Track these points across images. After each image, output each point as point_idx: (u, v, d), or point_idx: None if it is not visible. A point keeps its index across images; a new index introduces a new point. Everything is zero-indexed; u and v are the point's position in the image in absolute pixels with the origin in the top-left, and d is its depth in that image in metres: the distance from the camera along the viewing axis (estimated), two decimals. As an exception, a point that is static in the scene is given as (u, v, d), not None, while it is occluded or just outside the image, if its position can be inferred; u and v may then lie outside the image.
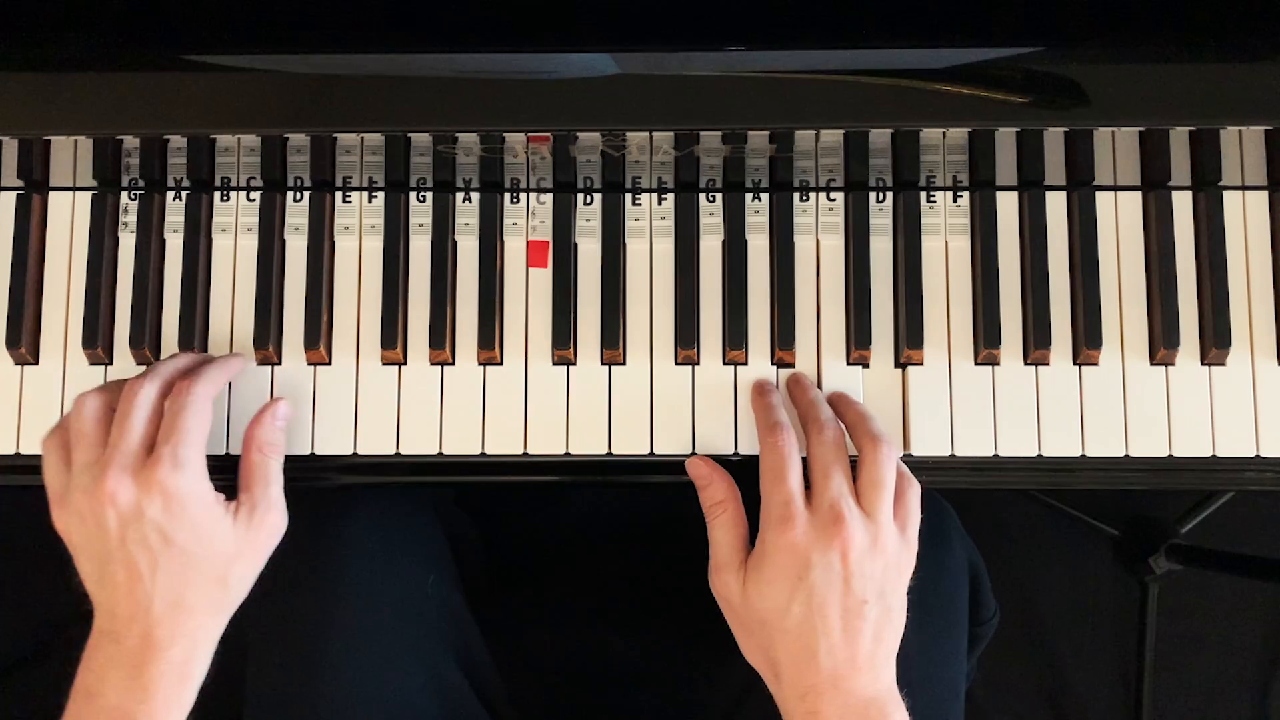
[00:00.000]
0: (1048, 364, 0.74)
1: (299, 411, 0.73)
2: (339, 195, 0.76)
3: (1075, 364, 0.74)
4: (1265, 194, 0.75)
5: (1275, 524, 1.37)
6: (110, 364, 0.75)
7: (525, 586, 0.93)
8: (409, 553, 0.79)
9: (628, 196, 0.75)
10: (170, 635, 0.63)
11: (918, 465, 0.72)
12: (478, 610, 0.84)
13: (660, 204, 0.75)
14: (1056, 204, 0.75)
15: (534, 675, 0.88)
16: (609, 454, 0.73)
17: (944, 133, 0.75)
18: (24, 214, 0.75)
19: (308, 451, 0.73)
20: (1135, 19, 0.66)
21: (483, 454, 0.73)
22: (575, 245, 0.75)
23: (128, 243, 0.75)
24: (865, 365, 0.74)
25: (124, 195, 0.76)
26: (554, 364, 0.74)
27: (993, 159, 0.75)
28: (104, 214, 0.75)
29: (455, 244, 0.75)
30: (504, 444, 0.73)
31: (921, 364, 0.74)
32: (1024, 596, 1.36)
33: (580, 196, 0.75)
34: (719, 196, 0.75)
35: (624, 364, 0.74)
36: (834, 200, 0.75)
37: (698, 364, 0.74)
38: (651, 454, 0.73)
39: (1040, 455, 0.73)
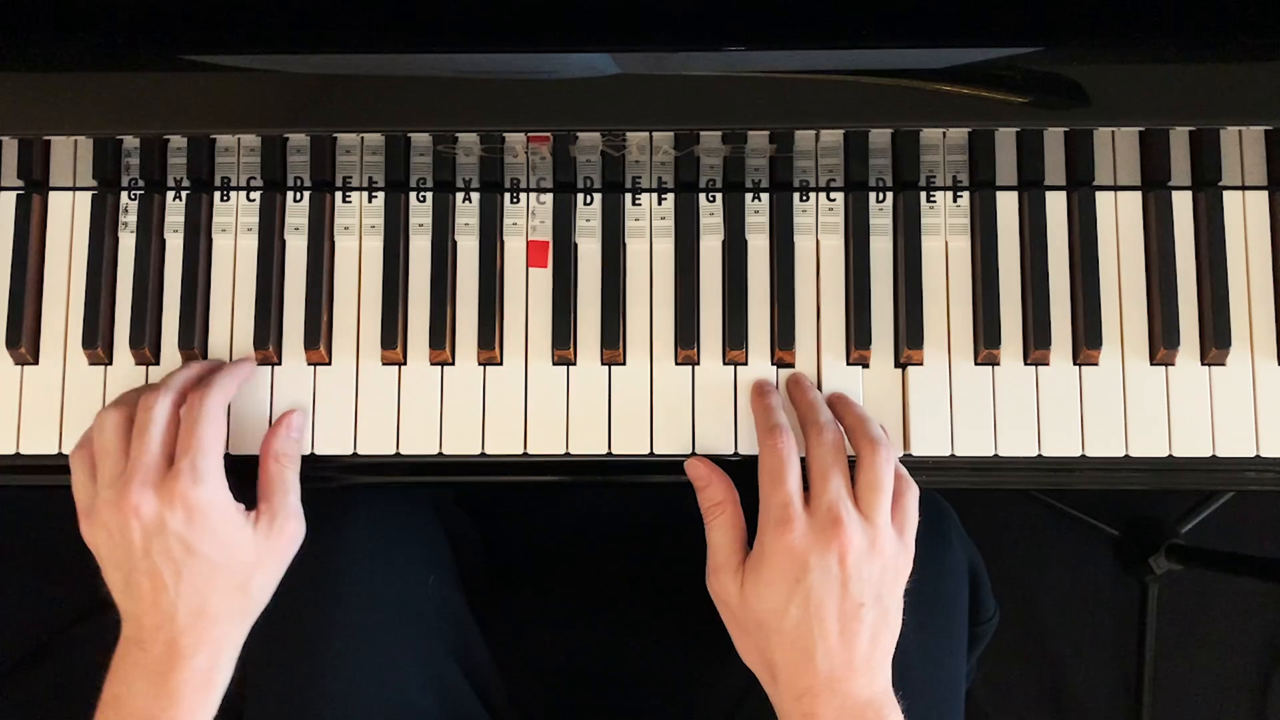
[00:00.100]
0: (1048, 364, 0.74)
1: (301, 408, 0.73)
2: (339, 195, 0.76)
3: (1075, 364, 0.74)
4: (1265, 194, 0.75)
5: (1275, 524, 1.37)
6: (110, 364, 0.75)
7: (525, 586, 0.93)
8: (409, 553, 0.79)
9: (628, 196, 0.75)
10: (194, 643, 0.64)
11: (917, 465, 0.73)
12: (478, 610, 0.84)
13: (660, 204, 0.75)
14: (1056, 204, 0.75)
15: (534, 675, 0.88)
16: (609, 454, 0.73)
17: (944, 133, 0.75)
18: (24, 214, 0.75)
19: (308, 451, 0.73)
20: (1135, 19, 0.66)
21: (483, 454, 0.73)
22: (575, 245, 0.75)
23: (128, 243, 0.75)
24: (865, 365, 0.74)
25: (124, 195, 0.76)
26: (554, 364, 0.74)
27: (993, 159, 0.75)
28: (104, 214, 0.75)
29: (455, 244, 0.75)
30: (504, 444, 0.73)
31: (921, 364, 0.74)
32: (1024, 596, 1.36)
33: (580, 196, 0.75)
34: (719, 196, 0.75)
35: (624, 364, 0.74)
36: (834, 200, 0.75)
37: (698, 364, 0.74)
38: (651, 454, 0.73)
39: (1040, 455, 0.73)
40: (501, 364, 0.74)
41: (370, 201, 0.76)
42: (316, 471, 0.73)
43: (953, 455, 0.73)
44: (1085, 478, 0.74)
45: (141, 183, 0.76)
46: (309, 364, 0.74)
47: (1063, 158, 0.75)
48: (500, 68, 0.66)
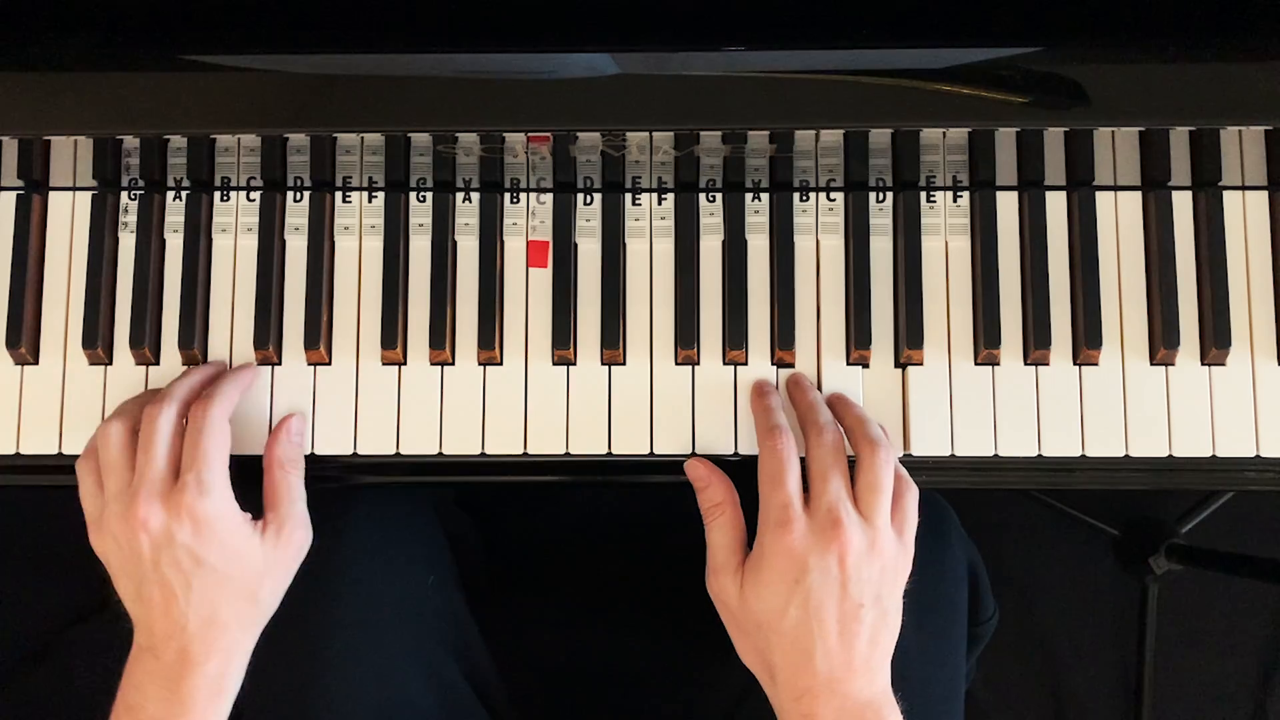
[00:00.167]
0: (1048, 364, 0.74)
1: (298, 412, 0.73)
2: (339, 195, 0.76)
3: (1075, 364, 0.74)
4: (1265, 194, 0.75)
5: (1275, 524, 1.37)
6: (110, 364, 0.75)
7: (525, 586, 0.93)
8: (409, 553, 0.79)
9: (628, 196, 0.75)
10: (205, 651, 0.65)
11: (918, 465, 0.73)
12: (478, 610, 0.84)
13: (660, 204, 0.75)
14: (1056, 204, 0.75)
15: (534, 675, 0.88)
16: (609, 454, 0.73)
17: (944, 133, 0.75)
18: (24, 214, 0.75)
19: (308, 451, 0.73)
20: (1135, 19, 0.66)
21: (483, 454, 0.73)
22: (575, 245, 0.75)
23: (128, 243, 0.75)
24: (865, 365, 0.74)
25: (124, 195, 0.76)
26: (554, 364, 0.74)
27: (993, 159, 0.75)
28: (104, 214, 0.75)
29: (455, 244, 0.75)
30: (504, 444, 0.73)
31: (921, 364, 0.74)
32: (1024, 596, 1.36)
33: (580, 196, 0.75)
34: (719, 196, 0.75)
35: (624, 364, 0.74)
36: (834, 200, 0.75)
37: (698, 364, 0.74)
38: (651, 454, 0.73)
39: (1040, 455, 0.73)
40: (501, 364, 0.74)
41: (370, 201, 0.76)
42: (316, 471, 0.73)
43: (953, 455, 0.73)
44: (1085, 478, 0.74)
45: (141, 183, 0.76)
46: (309, 364, 0.74)
47: (1063, 158, 0.75)
48: (500, 68, 0.66)
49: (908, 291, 0.74)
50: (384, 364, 0.74)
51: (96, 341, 0.74)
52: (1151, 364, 0.74)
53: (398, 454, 0.73)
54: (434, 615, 0.78)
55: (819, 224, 0.75)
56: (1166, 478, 0.74)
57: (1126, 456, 0.73)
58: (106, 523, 0.66)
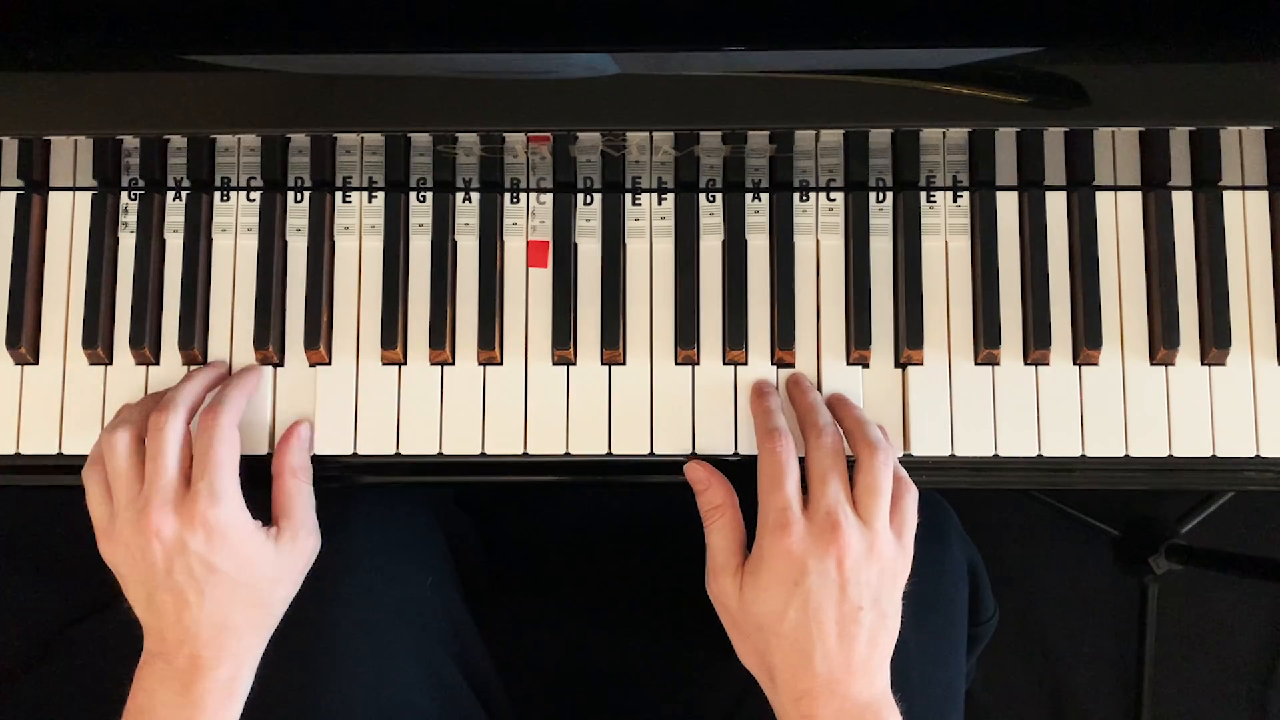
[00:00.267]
0: (1048, 364, 0.74)
1: (299, 415, 0.73)
2: (339, 195, 0.76)
3: (1075, 364, 0.74)
4: (1265, 194, 0.75)
5: (1275, 524, 1.37)
6: (110, 364, 0.75)
7: (525, 586, 0.93)
8: (408, 554, 0.79)
9: (628, 196, 0.75)
10: (217, 656, 0.65)
11: (917, 465, 0.73)
12: (478, 610, 0.84)
13: (660, 204, 0.75)
14: (1056, 204, 0.75)
15: (534, 675, 0.88)
16: (609, 454, 0.73)
17: (944, 133, 0.75)
18: (24, 214, 0.75)
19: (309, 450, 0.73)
20: (1135, 19, 0.66)
21: (483, 454, 0.73)
22: (575, 245, 0.75)
23: (128, 243, 0.75)
24: (865, 365, 0.74)
25: (124, 195, 0.76)
26: (554, 364, 0.74)
27: (993, 159, 0.75)
28: (104, 214, 0.75)
29: (455, 244, 0.75)
30: (504, 444, 0.73)
31: (921, 364, 0.74)
32: (1024, 596, 1.36)
33: (580, 196, 0.75)
34: (719, 196, 0.75)
35: (624, 364, 0.74)
36: (834, 200, 0.75)
37: (698, 364, 0.74)
38: (651, 454, 0.73)
39: (1040, 455, 0.73)
40: (501, 364, 0.74)
41: (370, 201, 0.76)
42: (317, 471, 0.73)
43: (953, 455, 0.73)
44: (1085, 478, 0.74)
45: (141, 183, 0.76)
46: (309, 364, 0.74)
47: (1063, 158, 0.75)
48: (500, 68, 0.66)
49: (908, 291, 0.74)
50: (384, 364, 0.74)
51: (96, 341, 0.74)
52: (1151, 364, 0.74)
53: (398, 454, 0.73)
54: (434, 615, 0.78)
55: (819, 224, 0.75)
56: (1166, 478, 0.74)
57: (1126, 456, 0.73)
58: (118, 531, 0.66)
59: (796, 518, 0.65)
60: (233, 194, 0.76)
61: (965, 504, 0.88)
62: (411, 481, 0.76)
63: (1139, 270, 0.75)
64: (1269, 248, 0.75)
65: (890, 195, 0.75)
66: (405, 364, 0.74)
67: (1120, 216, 0.75)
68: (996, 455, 0.73)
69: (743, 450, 0.73)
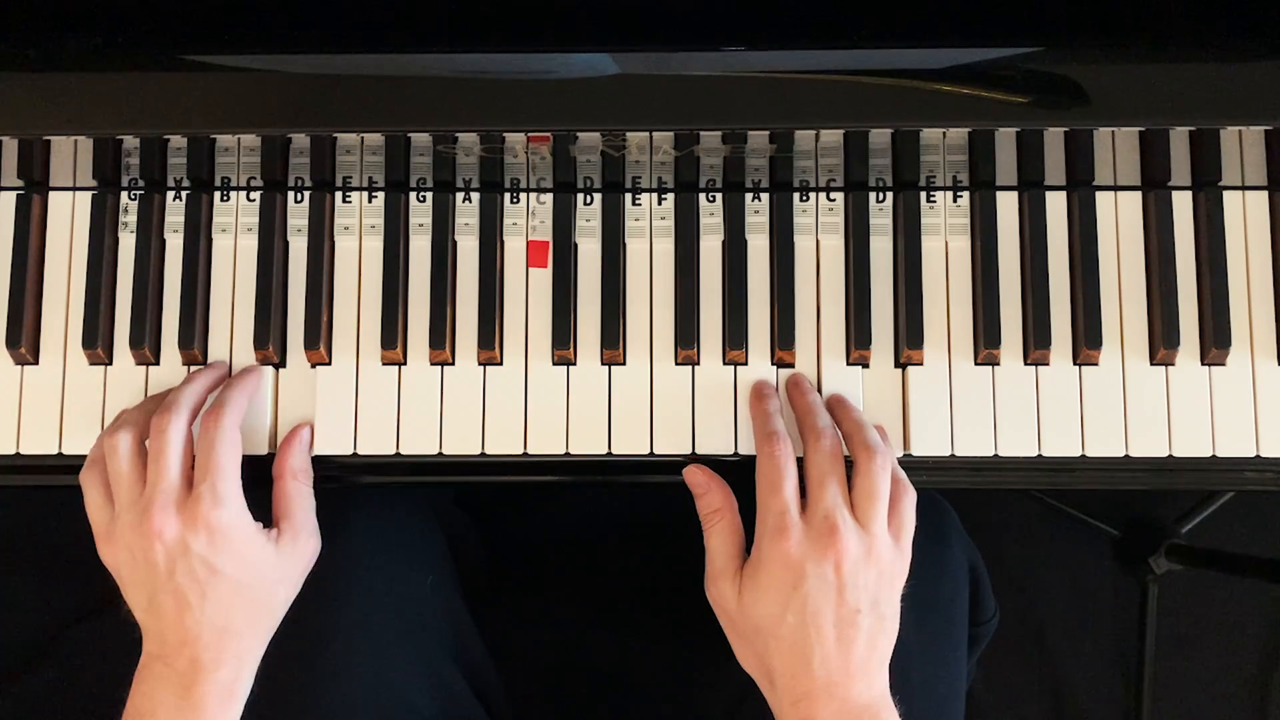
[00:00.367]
0: (1048, 364, 0.74)
1: (299, 415, 0.73)
2: (339, 195, 0.76)
3: (1075, 364, 0.74)
4: (1265, 194, 0.75)
5: (1275, 524, 1.37)
6: (110, 364, 0.75)
7: (525, 586, 0.93)
8: (409, 553, 0.79)
9: (628, 196, 0.75)
10: (217, 658, 0.65)
11: (917, 465, 0.73)
12: (478, 610, 0.84)
13: (660, 204, 0.75)
14: (1056, 204, 0.75)
15: (534, 675, 0.88)
16: (609, 454, 0.73)
17: (944, 133, 0.75)
18: (24, 214, 0.75)
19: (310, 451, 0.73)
20: (1135, 19, 0.66)
21: (483, 454, 0.73)
22: (575, 245, 0.75)
23: (128, 243, 0.75)
24: (865, 365, 0.74)
25: (124, 195, 0.76)
26: (554, 364, 0.74)
27: (993, 159, 0.75)
28: (104, 214, 0.75)
29: (455, 244, 0.75)
30: (504, 444, 0.73)
31: (921, 364, 0.74)
32: (1024, 596, 1.36)
33: (580, 196, 0.75)
34: (719, 196, 0.75)
35: (624, 364, 0.74)
36: (834, 200, 0.75)
37: (698, 364, 0.74)
38: (651, 454, 0.73)
39: (1040, 455, 0.73)
40: (501, 364, 0.74)
41: (370, 201, 0.76)
42: (317, 471, 0.73)
43: (953, 455, 0.73)
44: (1085, 478, 0.74)
45: (141, 183, 0.76)
46: (309, 364, 0.74)
47: (1063, 158, 0.75)
48: (500, 68, 0.66)
49: (908, 291, 0.74)
50: (384, 364, 0.74)
51: (96, 341, 0.74)
52: (1151, 364, 0.74)
53: (398, 454, 0.73)
54: (433, 616, 0.78)
55: (819, 224, 0.75)
56: (1166, 478, 0.74)
57: (1126, 456, 0.73)
58: (118, 534, 0.66)
59: (794, 522, 0.65)
60: (233, 194, 0.76)
61: (965, 504, 0.88)
62: (411, 481, 0.76)
63: (1139, 270, 0.75)
64: (1269, 248, 0.75)
65: (890, 195, 0.75)
66: (405, 364, 0.74)
67: (1120, 216, 0.75)
68: (996, 455, 0.73)
69: (743, 450, 0.73)
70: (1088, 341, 0.73)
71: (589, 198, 0.75)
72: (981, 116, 0.67)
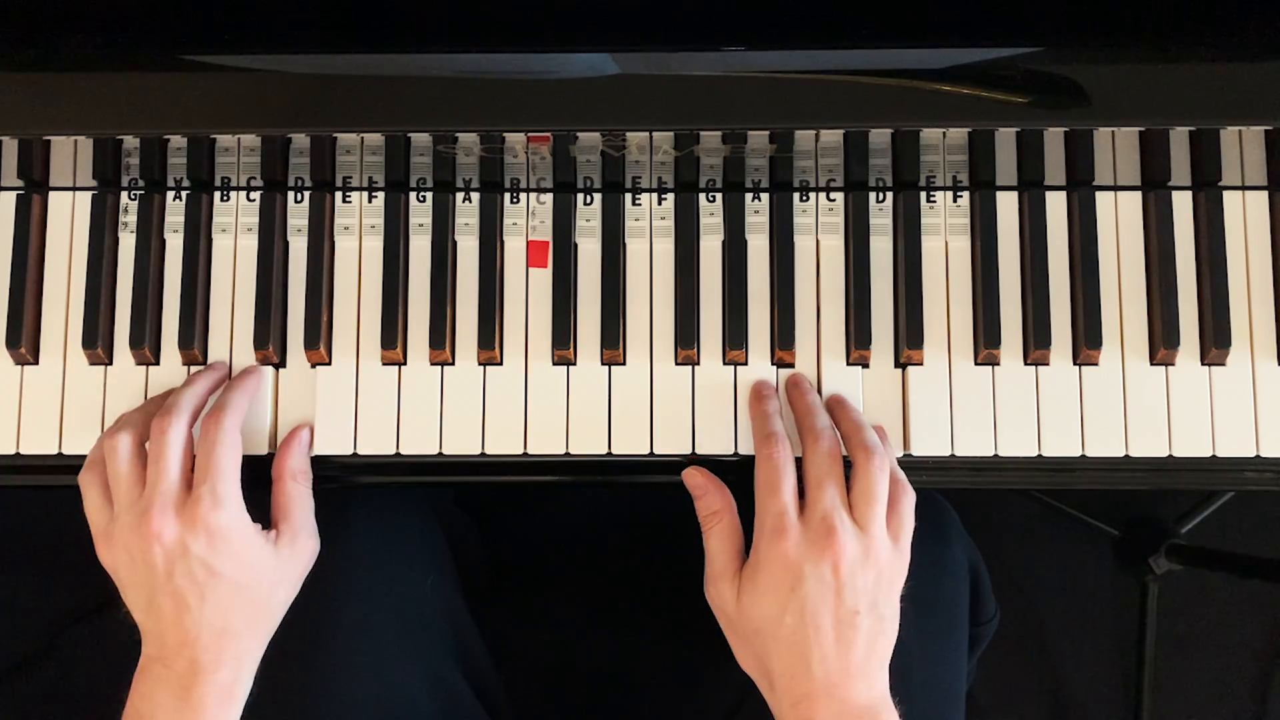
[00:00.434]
0: (1048, 364, 0.74)
1: (299, 415, 0.73)
2: (339, 195, 0.76)
3: (1075, 364, 0.74)
4: (1265, 194, 0.75)
5: (1275, 524, 1.37)
6: (110, 364, 0.75)
7: (525, 586, 0.93)
8: (409, 554, 0.79)
9: (628, 196, 0.75)
10: (217, 660, 0.65)
11: (917, 465, 0.73)
12: (478, 610, 0.84)
13: (660, 204, 0.75)
14: (1056, 204, 0.75)
15: (534, 675, 0.88)
16: (609, 454, 0.73)
17: (944, 133, 0.75)
18: (24, 214, 0.75)
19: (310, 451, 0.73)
20: (1135, 19, 0.66)
21: (483, 454, 0.73)
22: (575, 245, 0.75)
23: (128, 243, 0.75)
24: (865, 365, 0.74)
25: (124, 195, 0.76)
26: (554, 364, 0.74)
27: (993, 159, 0.75)
28: (104, 214, 0.75)
29: (455, 244, 0.75)
30: (504, 444, 0.73)
31: (921, 364, 0.74)
32: (1024, 596, 1.36)
33: (580, 196, 0.75)
34: (719, 196, 0.75)
35: (624, 364, 0.74)
36: (834, 200, 0.75)
37: (698, 364, 0.74)
38: (651, 454, 0.73)
39: (1040, 455, 0.73)
40: (501, 364, 0.74)
41: (370, 201, 0.76)
42: (317, 471, 0.73)
43: (953, 455, 0.73)
44: (1085, 478, 0.74)
45: (141, 183, 0.76)
46: (309, 364, 0.74)
47: (1063, 158, 0.75)
48: (500, 68, 0.66)
49: (908, 291, 0.74)
50: (384, 364, 0.74)
51: (96, 341, 0.74)
52: (1151, 364, 0.74)
53: (398, 454, 0.73)
54: (434, 616, 0.78)
55: (819, 224, 0.75)
56: (1166, 478, 0.74)
57: (1126, 456, 0.73)
58: (117, 535, 0.66)
59: (792, 523, 0.66)
60: (233, 194, 0.76)
61: (965, 504, 0.88)
62: (411, 481, 0.76)
63: (1139, 270, 0.75)
64: (1269, 248, 0.75)
65: (890, 195, 0.75)
66: (405, 364, 0.74)
67: (1120, 216, 0.75)
68: (996, 455, 0.73)
69: (743, 450, 0.73)
70: (1088, 341, 0.73)
71: (589, 198, 0.75)
72: (981, 116, 0.67)
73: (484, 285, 0.74)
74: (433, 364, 0.74)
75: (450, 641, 0.79)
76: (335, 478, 0.74)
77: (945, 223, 0.75)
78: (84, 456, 0.70)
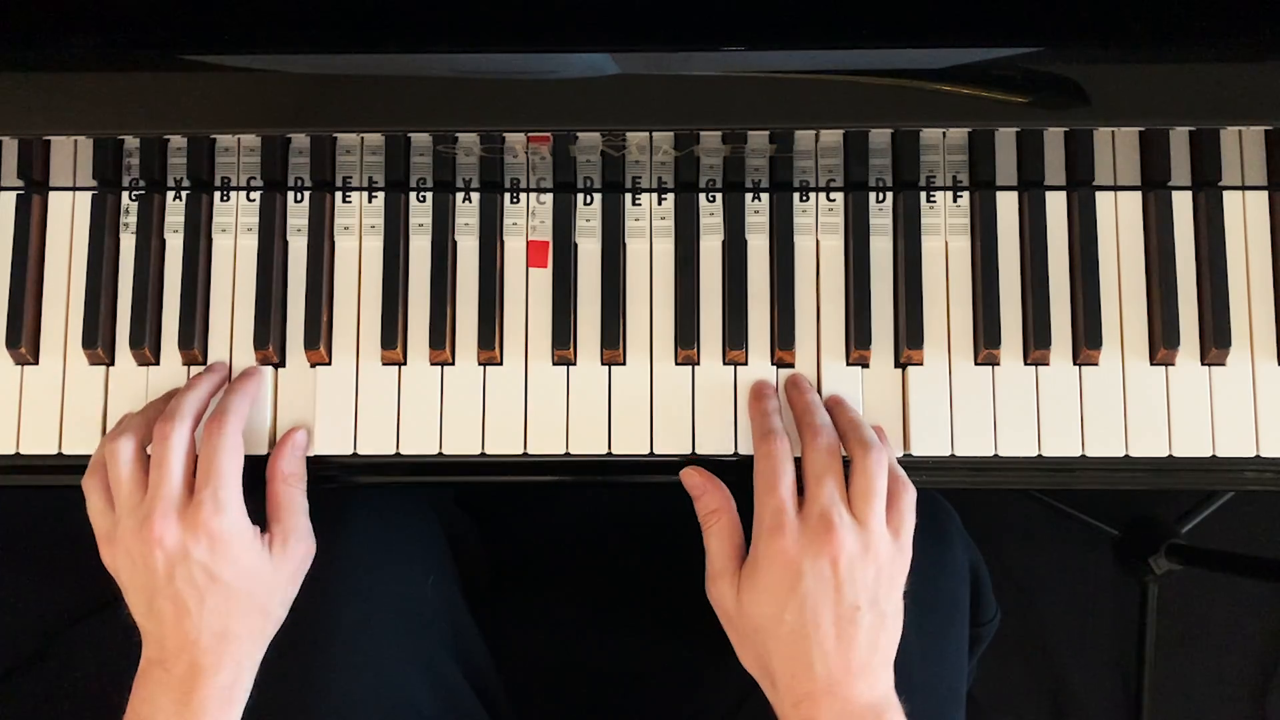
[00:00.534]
0: (1048, 364, 0.74)
1: (299, 415, 0.73)
2: (339, 195, 0.76)
3: (1075, 364, 0.74)
4: (1265, 194, 0.75)
5: (1275, 524, 1.37)
6: (110, 364, 0.75)
7: (525, 586, 0.93)
8: (409, 553, 0.79)
9: (628, 196, 0.75)
10: (216, 662, 0.66)
11: (917, 465, 0.73)
12: (478, 610, 0.84)
13: (660, 204, 0.75)
14: (1056, 204, 0.75)
15: (534, 675, 0.88)
16: (609, 454, 0.73)
17: (944, 133, 0.75)
18: (24, 214, 0.75)
19: (309, 453, 0.73)
20: (1135, 19, 0.66)
21: (483, 454, 0.73)
22: (575, 245, 0.75)
23: (128, 243, 0.75)
24: (865, 365, 0.74)
25: (124, 195, 0.76)
26: (554, 364, 0.74)
27: (993, 159, 0.75)
28: (104, 214, 0.75)
29: (455, 244, 0.75)
30: (504, 444, 0.73)
31: (921, 364, 0.74)
32: (1024, 596, 1.36)
33: (580, 196, 0.75)
34: (719, 196, 0.75)
35: (624, 364, 0.74)
36: (834, 200, 0.75)
37: (698, 364, 0.74)
38: (651, 454, 0.73)
39: (1040, 455, 0.73)
40: (501, 364, 0.74)
41: (370, 201, 0.76)
42: (317, 471, 0.73)
43: (953, 455, 0.73)
44: (1085, 478, 0.74)
45: (142, 183, 0.76)
46: (309, 364, 0.74)
47: (1063, 158, 0.75)
48: (500, 68, 0.66)
49: (908, 291, 0.74)
50: (384, 364, 0.74)
51: (96, 341, 0.74)
52: (1151, 364, 0.74)
53: (398, 454, 0.73)
54: (434, 615, 0.78)
55: (819, 224, 0.75)
56: (1166, 478, 0.74)
57: (1126, 456, 0.73)
58: (119, 539, 0.66)
59: (791, 520, 0.65)
60: (233, 194, 0.76)
61: (965, 504, 0.88)
62: (411, 481, 0.76)
63: (1139, 270, 0.75)
64: (1269, 248, 0.75)
65: (890, 195, 0.75)
66: (405, 364, 0.74)
67: (1120, 216, 0.75)
68: (996, 455, 0.73)
69: (743, 450, 0.73)
70: (1088, 341, 0.73)
71: (589, 198, 0.75)
72: (981, 116, 0.67)
73: (484, 285, 0.74)
74: (433, 364, 0.74)
75: (450, 641, 0.79)
76: (335, 478, 0.74)
77: (945, 223, 0.75)
78: (84, 456, 0.71)
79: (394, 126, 0.70)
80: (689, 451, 0.73)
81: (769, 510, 0.66)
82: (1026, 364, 0.74)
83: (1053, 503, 1.36)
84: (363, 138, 0.75)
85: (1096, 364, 0.74)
